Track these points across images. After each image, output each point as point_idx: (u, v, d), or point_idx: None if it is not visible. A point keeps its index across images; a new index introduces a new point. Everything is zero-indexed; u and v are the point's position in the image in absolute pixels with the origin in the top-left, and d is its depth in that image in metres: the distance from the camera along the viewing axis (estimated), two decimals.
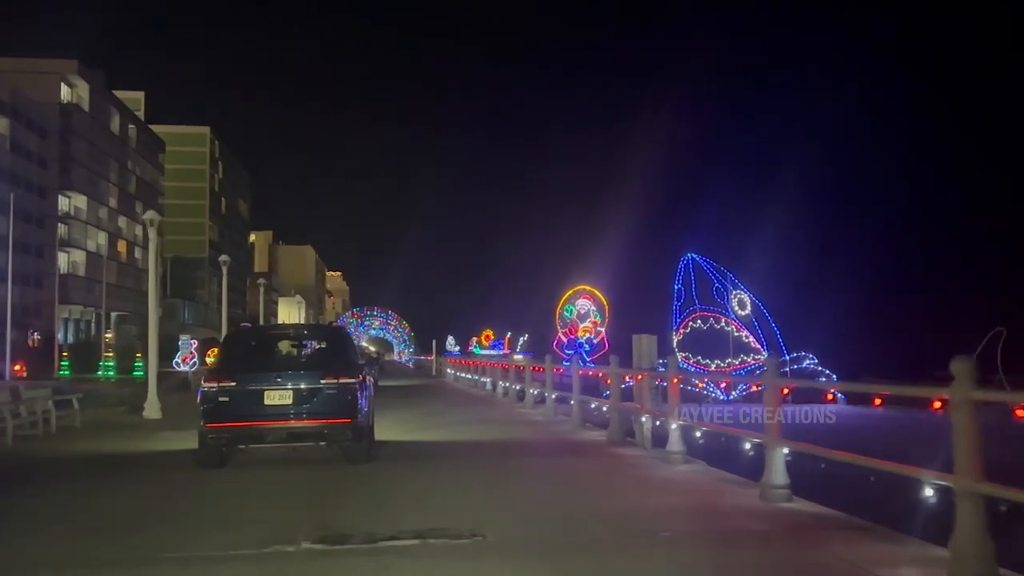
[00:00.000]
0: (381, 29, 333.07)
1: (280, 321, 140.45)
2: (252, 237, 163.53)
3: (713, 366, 40.77)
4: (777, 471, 9.02)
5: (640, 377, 14.89)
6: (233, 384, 12.39)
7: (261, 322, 60.34)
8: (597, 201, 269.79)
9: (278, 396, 12.35)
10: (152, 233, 24.90)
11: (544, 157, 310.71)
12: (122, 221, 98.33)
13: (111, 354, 57.11)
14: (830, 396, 29.67)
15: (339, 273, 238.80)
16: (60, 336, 71.09)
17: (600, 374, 23.37)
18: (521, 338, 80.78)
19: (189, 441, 14.63)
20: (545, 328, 60.98)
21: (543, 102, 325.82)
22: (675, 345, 40.59)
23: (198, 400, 12.82)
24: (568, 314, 55.26)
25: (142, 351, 44.72)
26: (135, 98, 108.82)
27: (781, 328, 43.15)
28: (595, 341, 54.10)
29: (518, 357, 45.79)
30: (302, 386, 12.48)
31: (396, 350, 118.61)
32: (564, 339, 54.58)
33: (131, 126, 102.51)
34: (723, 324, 42.40)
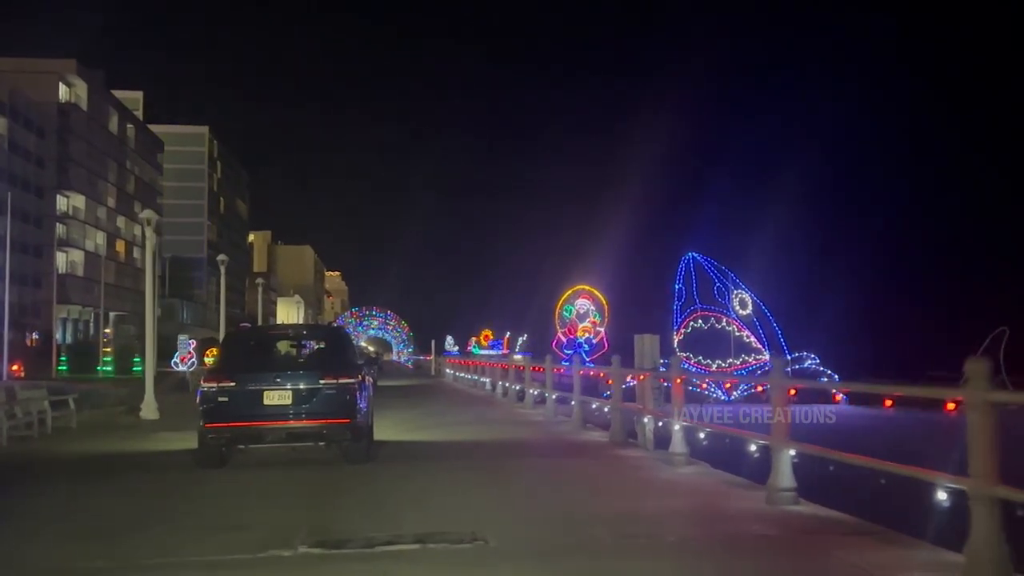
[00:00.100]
0: (381, 29, 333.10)
1: (279, 321, 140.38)
2: (251, 237, 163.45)
3: (714, 366, 40.61)
4: (784, 473, 8.86)
5: (642, 377, 14.74)
6: (232, 384, 12.38)
7: (260, 322, 60.15)
8: (597, 201, 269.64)
9: (277, 396, 12.34)
10: (149, 232, 24.76)
11: (544, 157, 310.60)
12: (120, 221, 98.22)
13: (109, 349, 56.93)
14: (838, 397, 29.52)
15: (338, 273, 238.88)
16: (58, 336, 70.94)
17: (601, 374, 23.20)
18: (520, 338, 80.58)
19: (186, 442, 14.53)
20: (544, 328, 60.85)
21: (543, 102, 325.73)
22: (676, 345, 40.41)
23: (197, 400, 12.80)
24: (567, 314, 55.06)
25: (140, 351, 44.54)
26: (134, 98, 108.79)
27: (782, 328, 43.01)
28: (594, 341, 53.89)
29: (517, 357, 45.60)
30: (301, 386, 12.47)
31: (395, 350, 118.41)
32: (563, 339, 54.39)
33: (130, 126, 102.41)
34: (724, 324, 42.24)
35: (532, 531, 8.13)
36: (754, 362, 40.54)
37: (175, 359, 42.48)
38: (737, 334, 42.05)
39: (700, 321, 42.14)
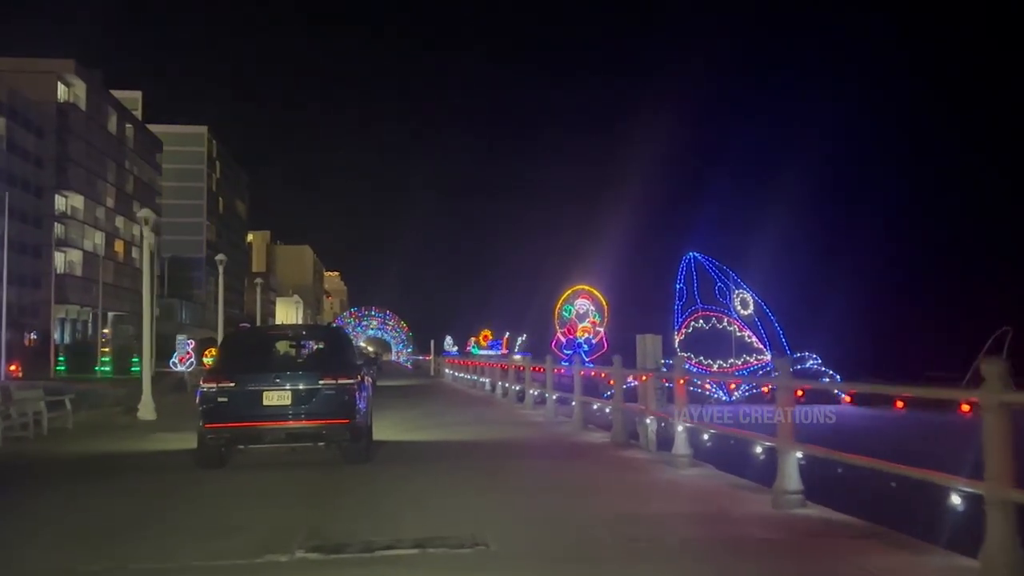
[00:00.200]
0: (381, 29, 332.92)
1: (278, 321, 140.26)
2: (250, 237, 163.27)
3: (715, 366, 40.46)
4: (790, 476, 8.69)
5: (645, 378, 14.60)
6: (232, 385, 12.40)
7: (259, 322, 60.06)
8: (597, 201, 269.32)
9: (277, 397, 12.37)
10: (147, 231, 24.63)
11: (544, 157, 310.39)
12: (119, 221, 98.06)
13: (107, 348, 56.79)
14: (848, 398, 29.38)
15: (337, 273, 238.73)
16: (57, 336, 70.82)
17: (603, 375, 23.05)
18: (519, 338, 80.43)
19: (183, 442, 14.43)
20: (544, 328, 60.69)
21: (543, 102, 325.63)
22: (676, 345, 40.27)
23: (197, 400, 12.80)
24: (567, 314, 54.94)
25: (139, 351, 44.43)
26: (132, 97, 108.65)
27: (783, 328, 42.87)
28: (594, 341, 53.78)
29: (517, 357, 45.46)
30: (300, 387, 12.49)
31: (394, 350, 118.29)
32: (563, 339, 54.27)
33: (128, 126, 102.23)
34: (725, 324, 42.09)
35: (533, 535, 7.98)
36: (755, 362, 40.39)
37: (174, 359, 42.39)
38: (738, 334, 41.91)
39: (701, 321, 42.00)
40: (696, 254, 43.76)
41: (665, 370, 15.57)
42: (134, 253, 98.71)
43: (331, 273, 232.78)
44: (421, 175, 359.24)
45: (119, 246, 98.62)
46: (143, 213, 24.66)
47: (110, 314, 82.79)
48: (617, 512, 9.10)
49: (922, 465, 6.94)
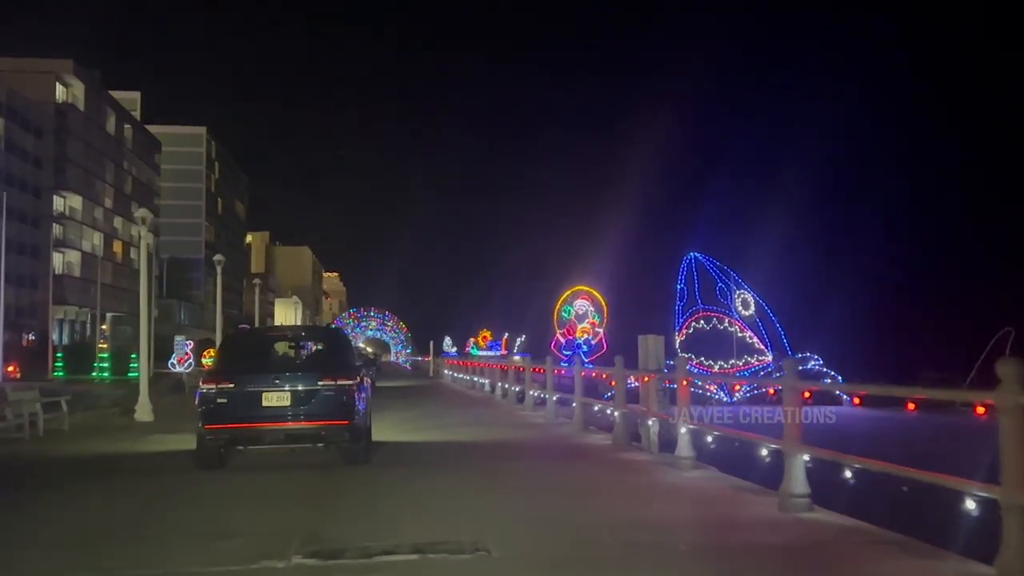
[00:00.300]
0: (381, 29, 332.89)
1: (276, 322, 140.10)
2: (248, 238, 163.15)
3: (716, 367, 40.30)
4: (797, 479, 8.53)
5: (647, 379, 14.44)
6: (231, 386, 12.37)
7: (257, 323, 59.94)
8: (597, 201, 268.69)
9: (276, 398, 12.34)
10: (145, 232, 24.49)
11: (544, 157, 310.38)
12: (118, 222, 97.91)
13: (105, 346, 56.54)
14: (857, 400, 29.16)
15: (336, 274, 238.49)
16: (55, 337, 70.62)
17: (603, 375, 22.90)
18: (519, 339, 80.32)
19: (180, 443, 14.31)
20: (543, 329, 60.53)
21: (543, 102, 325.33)
22: (677, 346, 40.13)
23: (196, 401, 12.75)
24: (566, 315, 54.81)
25: (137, 352, 44.25)
26: (131, 98, 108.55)
27: (785, 328, 42.72)
28: (593, 342, 53.65)
29: (516, 358, 45.32)
30: (300, 388, 12.45)
31: (393, 351, 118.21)
32: (562, 340, 54.14)
33: (127, 126, 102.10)
34: (726, 324, 41.93)
35: (535, 539, 7.82)
36: (757, 363, 40.23)
37: (172, 360, 42.21)
38: (739, 335, 41.75)
39: (702, 321, 41.84)
40: (697, 254, 43.62)
41: (667, 371, 15.42)
42: (132, 254, 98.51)
43: (330, 274, 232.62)
44: (421, 175, 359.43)
45: (117, 247, 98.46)
46: (141, 213, 24.54)
47: (108, 315, 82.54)
48: (620, 515, 8.95)
49: (935, 469, 6.78)
